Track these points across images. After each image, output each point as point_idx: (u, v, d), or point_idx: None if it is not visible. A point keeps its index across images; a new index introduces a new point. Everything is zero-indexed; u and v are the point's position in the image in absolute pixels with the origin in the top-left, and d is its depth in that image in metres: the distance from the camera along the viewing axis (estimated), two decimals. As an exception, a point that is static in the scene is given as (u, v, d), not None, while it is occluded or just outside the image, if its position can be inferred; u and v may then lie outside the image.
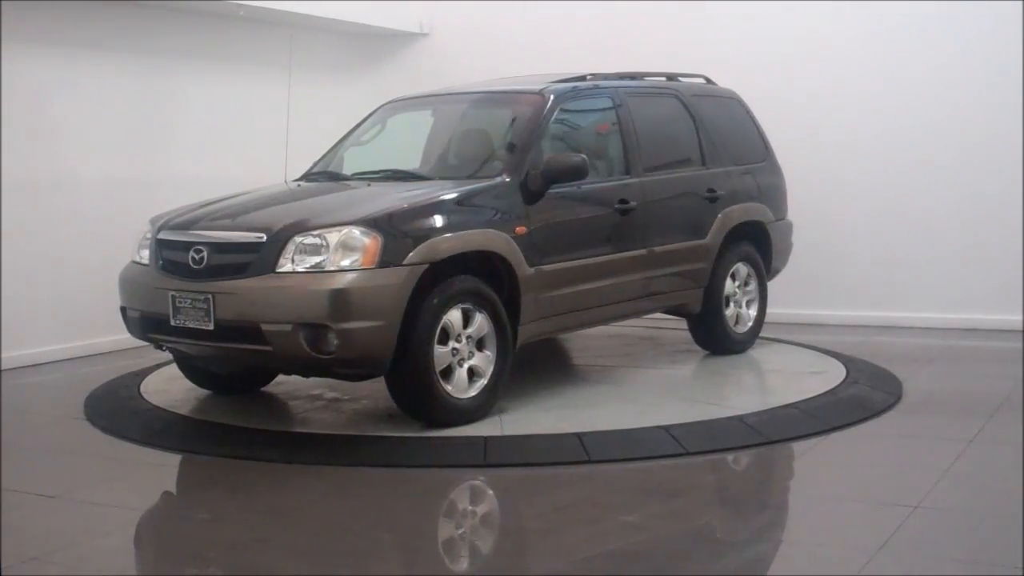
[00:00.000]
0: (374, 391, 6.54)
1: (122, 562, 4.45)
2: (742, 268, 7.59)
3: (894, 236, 8.83)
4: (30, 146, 7.90)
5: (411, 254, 5.47)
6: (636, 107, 7.05)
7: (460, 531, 4.69)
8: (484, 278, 5.87)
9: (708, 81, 7.88)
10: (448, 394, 5.68)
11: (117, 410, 6.46)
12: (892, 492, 4.89)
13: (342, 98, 9.98)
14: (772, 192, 7.86)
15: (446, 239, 5.65)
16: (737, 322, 7.60)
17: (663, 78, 7.60)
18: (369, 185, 6.46)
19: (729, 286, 7.46)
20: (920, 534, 4.31)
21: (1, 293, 7.65)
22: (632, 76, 7.37)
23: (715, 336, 7.50)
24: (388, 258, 5.42)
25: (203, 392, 6.76)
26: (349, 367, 5.61)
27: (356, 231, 5.45)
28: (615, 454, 5.37)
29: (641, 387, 6.70)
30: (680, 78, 7.69)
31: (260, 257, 5.51)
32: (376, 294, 5.36)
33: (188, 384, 6.90)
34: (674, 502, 4.95)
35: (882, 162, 8.84)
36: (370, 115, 7.42)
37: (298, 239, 5.48)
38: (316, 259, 5.43)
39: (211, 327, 5.57)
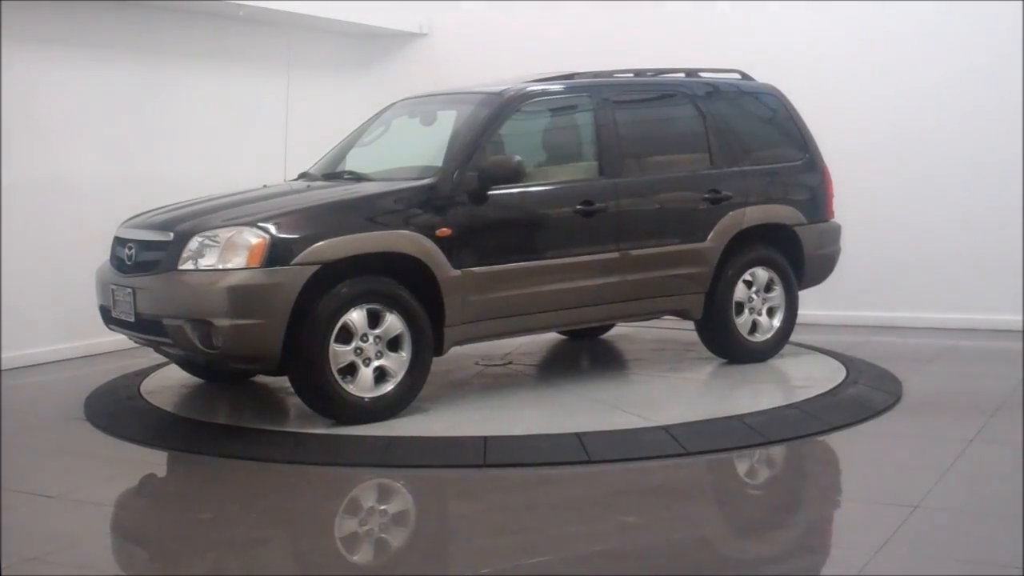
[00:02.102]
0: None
1: (122, 562, 4.45)
2: (761, 273, 7.19)
3: (894, 236, 8.82)
4: (30, 146, 7.90)
5: (301, 255, 5.58)
6: (622, 106, 6.88)
7: (460, 531, 4.68)
8: (409, 279, 5.90)
9: (744, 77, 7.56)
10: (348, 393, 5.72)
11: (117, 410, 6.46)
12: (892, 492, 4.89)
13: (342, 98, 9.99)
14: (805, 193, 7.44)
15: (340, 240, 5.69)
16: (755, 330, 7.21)
17: (682, 75, 7.33)
18: (308, 187, 6.55)
19: (742, 292, 7.10)
20: (920, 534, 4.31)
21: (1, 293, 7.66)
22: (637, 73, 7.22)
23: (725, 344, 7.17)
24: (275, 258, 5.55)
25: (203, 393, 6.77)
26: (238, 362, 5.93)
27: (243, 232, 5.63)
28: (615, 454, 5.37)
29: (575, 392, 6.56)
30: (700, 74, 7.38)
31: (167, 255, 5.80)
32: (258, 293, 5.51)
33: (188, 384, 6.92)
34: (674, 502, 4.95)
35: (882, 162, 8.84)
36: (377, 115, 7.40)
37: (196, 239, 5.72)
38: (210, 258, 5.64)
39: (133, 319, 5.95)
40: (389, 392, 5.86)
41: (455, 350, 7.56)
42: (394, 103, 7.45)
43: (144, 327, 5.92)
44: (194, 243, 5.70)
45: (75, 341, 8.05)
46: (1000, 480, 5.02)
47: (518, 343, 7.84)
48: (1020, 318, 8.38)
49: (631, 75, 7.21)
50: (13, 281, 7.72)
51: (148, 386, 6.93)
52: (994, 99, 8.48)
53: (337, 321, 5.66)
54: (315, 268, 5.60)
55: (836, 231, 7.66)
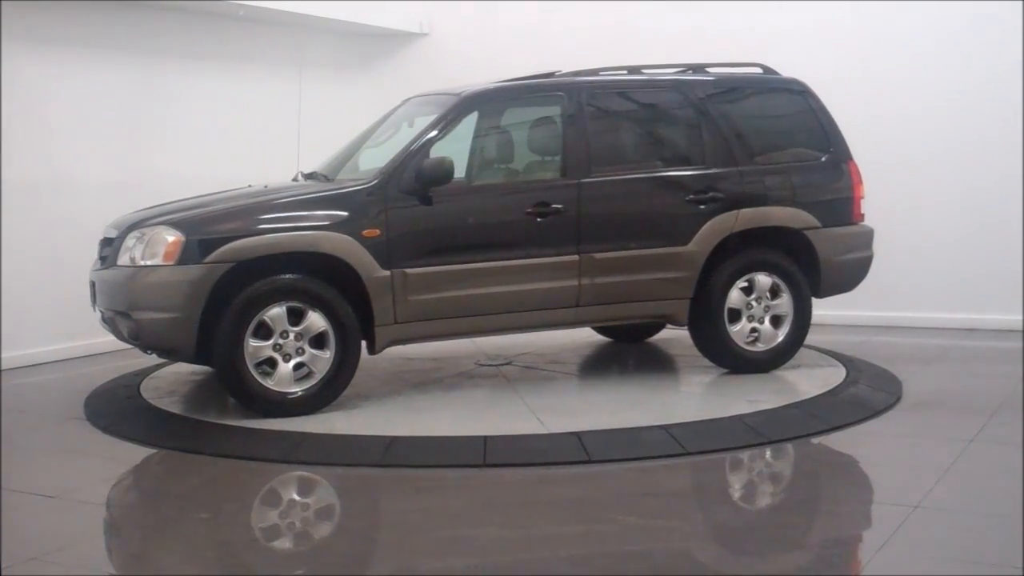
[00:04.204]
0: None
1: (121, 562, 4.45)
2: (762, 279, 6.80)
3: (894, 236, 8.80)
4: (30, 146, 7.90)
5: (214, 253, 5.81)
6: (599, 106, 6.73)
7: (460, 530, 4.68)
8: (341, 279, 6.00)
9: (767, 71, 7.21)
10: (264, 387, 5.92)
11: (117, 410, 6.47)
12: (892, 492, 4.90)
13: (342, 98, 9.99)
14: (821, 194, 7.01)
15: (254, 240, 5.89)
16: (758, 339, 6.85)
17: (687, 70, 7.07)
18: (266, 187, 6.70)
19: (737, 298, 6.76)
20: (920, 534, 4.31)
21: (1, 293, 7.66)
22: (631, 71, 7.03)
23: (719, 352, 6.86)
24: (188, 256, 5.83)
25: (203, 392, 6.77)
26: (158, 353, 6.26)
27: (162, 231, 5.95)
28: (615, 454, 5.37)
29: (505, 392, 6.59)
30: (713, 69, 7.12)
31: (113, 251, 6.18)
32: (169, 288, 5.83)
33: (189, 383, 6.92)
34: (674, 502, 4.95)
35: (881, 162, 8.83)
36: (388, 113, 7.38)
37: (131, 237, 6.07)
38: (136, 255, 5.99)
39: (94, 310, 6.44)
40: (309, 388, 6.00)
41: (454, 350, 7.64)
42: (408, 99, 7.40)
43: (101, 318, 6.33)
44: (129, 241, 6.05)
45: (75, 341, 8.05)
46: (1000, 480, 5.02)
47: (535, 344, 7.85)
48: (1020, 318, 8.39)
49: (624, 73, 7.04)
50: (13, 281, 7.73)
51: (148, 386, 6.94)
52: (994, 99, 8.49)
53: (253, 317, 5.86)
54: (228, 266, 5.81)
55: (865, 236, 7.17)
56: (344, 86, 10.27)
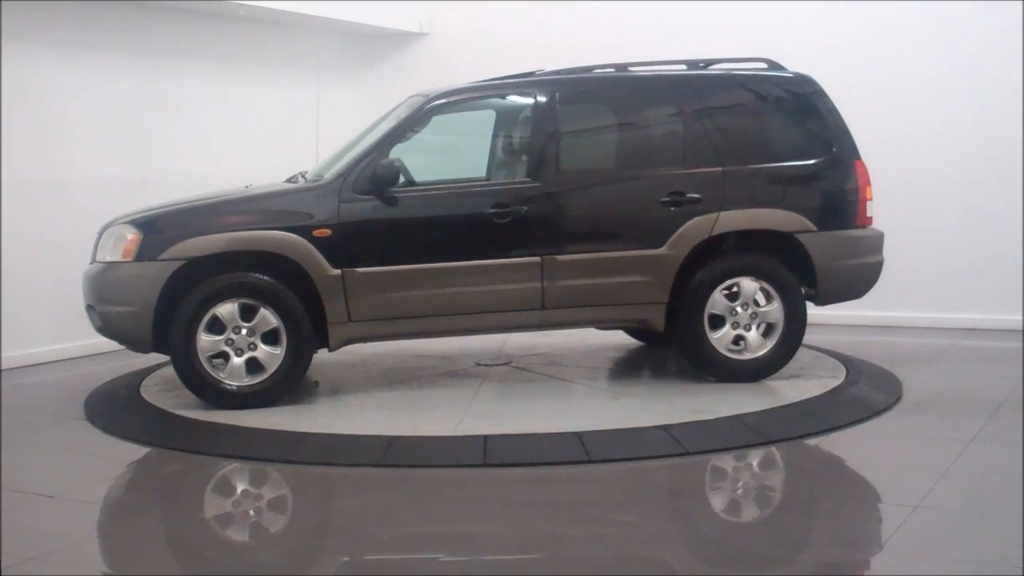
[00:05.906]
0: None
1: (122, 562, 4.45)
2: (748, 284, 6.48)
3: (894, 236, 8.77)
4: (30, 146, 7.90)
5: (167, 251, 6.09)
6: (575, 105, 6.65)
7: (460, 529, 4.68)
8: (296, 277, 6.14)
9: (772, 66, 6.92)
10: (216, 379, 6.16)
11: (117, 410, 6.47)
12: (892, 492, 4.89)
13: (341, 98, 9.98)
14: (818, 196, 6.70)
15: (205, 239, 6.12)
16: (744, 348, 6.55)
17: (683, 66, 6.85)
18: (248, 187, 6.83)
19: (720, 304, 6.48)
20: (920, 534, 4.31)
21: (1, 293, 7.66)
22: (619, 68, 6.85)
23: (701, 360, 6.59)
24: (145, 253, 6.13)
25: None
26: (121, 344, 6.50)
27: (122, 229, 6.27)
28: (615, 454, 5.37)
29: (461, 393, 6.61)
30: (715, 65, 6.89)
31: (95, 247, 6.48)
32: (127, 283, 6.17)
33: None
34: (674, 502, 4.95)
35: (882, 162, 8.80)
36: (391, 111, 7.36)
37: (105, 234, 6.40)
38: (104, 252, 6.33)
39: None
40: (260, 382, 6.19)
41: (454, 349, 7.64)
42: (410, 97, 7.37)
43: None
44: (102, 238, 6.39)
45: (75, 341, 8.05)
46: (1000, 480, 5.02)
47: (549, 344, 7.84)
48: (1020, 318, 8.39)
49: (611, 71, 6.87)
50: (13, 281, 7.73)
51: (147, 385, 6.94)
52: (994, 99, 8.50)
53: (204, 313, 6.09)
54: (180, 263, 6.06)
55: (871, 240, 6.85)
56: (345, 86, 10.26)
